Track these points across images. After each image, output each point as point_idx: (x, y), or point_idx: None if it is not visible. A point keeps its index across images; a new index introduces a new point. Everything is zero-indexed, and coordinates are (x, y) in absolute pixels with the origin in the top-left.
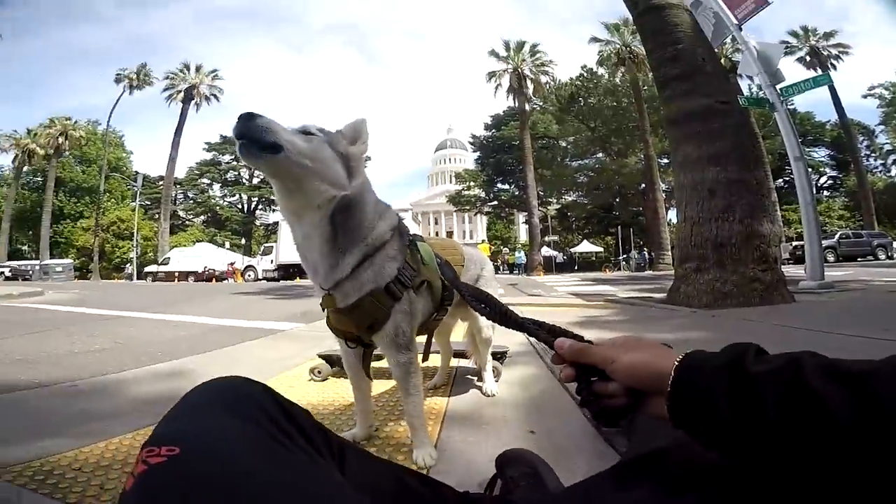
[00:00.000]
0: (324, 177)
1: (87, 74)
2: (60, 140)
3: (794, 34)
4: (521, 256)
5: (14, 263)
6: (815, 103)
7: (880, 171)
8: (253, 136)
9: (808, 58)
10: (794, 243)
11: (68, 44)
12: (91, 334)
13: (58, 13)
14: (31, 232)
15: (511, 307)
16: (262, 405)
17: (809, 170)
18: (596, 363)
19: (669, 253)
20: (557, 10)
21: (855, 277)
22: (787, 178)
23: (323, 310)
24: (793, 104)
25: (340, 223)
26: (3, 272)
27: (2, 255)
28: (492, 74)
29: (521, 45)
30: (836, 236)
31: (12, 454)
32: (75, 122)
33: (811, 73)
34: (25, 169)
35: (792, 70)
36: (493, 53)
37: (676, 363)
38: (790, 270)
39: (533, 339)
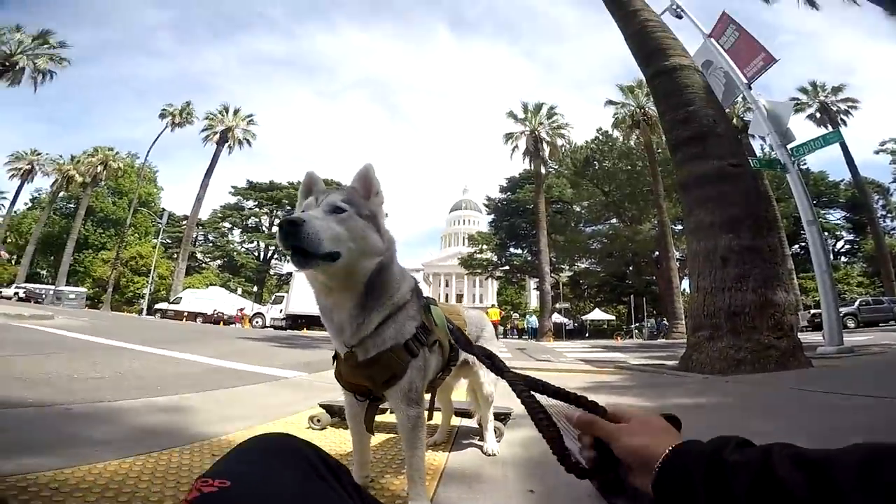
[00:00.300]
0: (366, 253)
1: (133, 106)
2: (99, 169)
3: (803, 90)
4: (532, 321)
5: (29, 286)
6: (827, 162)
7: None
8: (305, 248)
9: (818, 114)
10: (813, 311)
11: (123, 75)
12: (93, 362)
13: (122, 43)
14: (52, 258)
15: (517, 371)
16: (306, 456)
17: (825, 234)
18: (601, 437)
19: (683, 322)
20: (574, 71)
21: (876, 342)
22: (804, 244)
23: (333, 361)
24: (805, 164)
25: (372, 286)
26: (17, 293)
27: (21, 276)
28: (509, 136)
29: (538, 107)
30: (857, 303)
31: None
32: (116, 152)
33: (822, 131)
34: (61, 195)
35: (802, 128)
36: (511, 115)
37: (668, 450)
38: (808, 337)
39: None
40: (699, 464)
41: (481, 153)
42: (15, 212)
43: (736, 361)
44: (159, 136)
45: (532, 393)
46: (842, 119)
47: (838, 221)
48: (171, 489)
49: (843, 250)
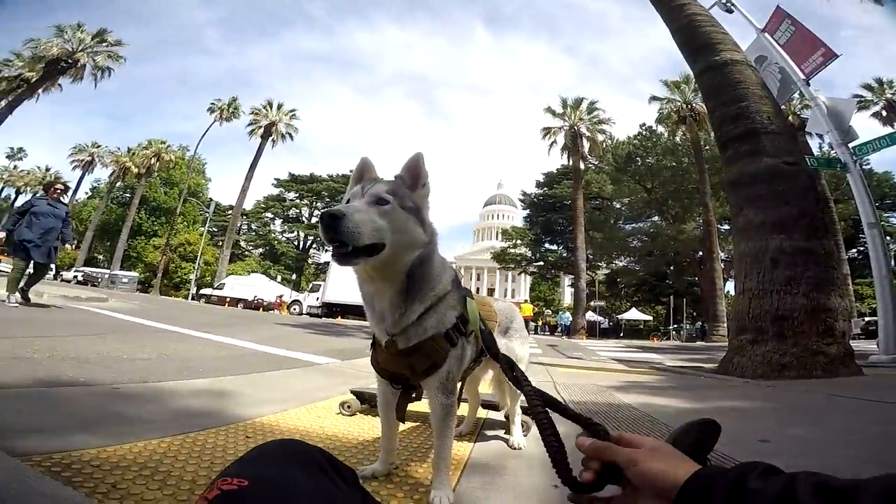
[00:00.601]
0: (408, 245)
1: (184, 102)
2: (153, 161)
3: (868, 87)
4: (565, 317)
5: (87, 269)
6: (893, 162)
7: None
8: (346, 241)
9: (884, 112)
10: (867, 318)
11: (175, 72)
12: (141, 343)
13: (173, 42)
14: (108, 243)
15: (548, 368)
16: (318, 461)
17: (887, 238)
18: (617, 463)
19: (724, 325)
20: (617, 67)
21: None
22: (861, 248)
23: (371, 349)
24: (868, 164)
25: (414, 276)
26: (76, 276)
27: (80, 260)
28: (547, 131)
29: (578, 101)
30: None
31: (41, 443)
32: (168, 145)
33: (888, 130)
34: (118, 185)
35: (866, 126)
36: (549, 110)
37: (688, 476)
38: (861, 345)
39: (562, 391)
40: (721, 491)
41: (517, 148)
42: (76, 200)
43: (780, 366)
44: (208, 129)
45: (546, 410)
46: None
47: None
48: (204, 469)
49: None
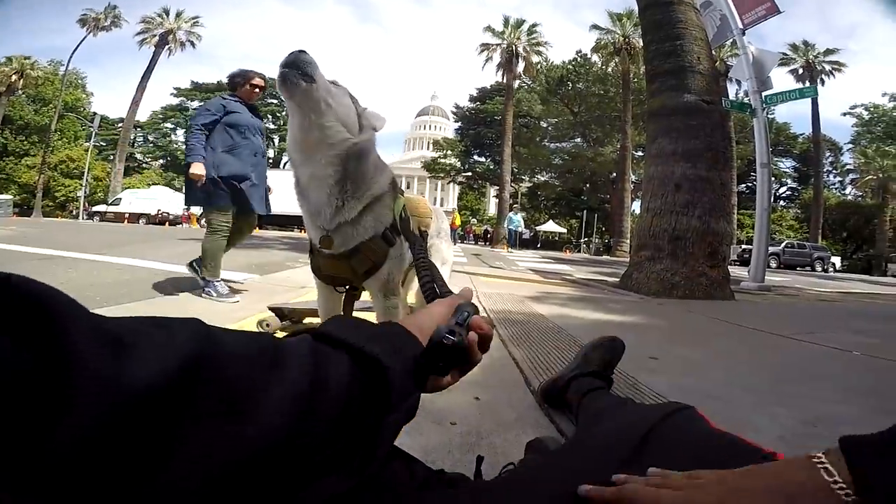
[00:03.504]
0: (340, 118)
1: (52, 14)
2: (14, 78)
3: (793, 47)
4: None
5: None
6: (794, 115)
7: (836, 189)
8: (298, 66)
9: (800, 70)
10: (743, 247)
11: None
12: (25, 274)
13: None
14: None
15: (471, 276)
16: None
17: (772, 178)
18: None
19: (628, 241)
20: None
21: (791, 284)
22: (750, 185)
23: (310, 255)
24: (773, 113)
25: (350, 169)
26: None
27: None
28: (485, 47)
29: (519, 22)
30: (782, 245)
31: None
32: (34, 62)
33: (800, 86)
34: None
35: (782, 80)
36: (490, 29)
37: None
38: (734, 271)
39: (484, 300)
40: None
41: (454, 61)
42: None
43: (671, 285)
44: (81, 42)
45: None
46: (822, 79)
47: (787, 170)
48: None
49: (783, 195)
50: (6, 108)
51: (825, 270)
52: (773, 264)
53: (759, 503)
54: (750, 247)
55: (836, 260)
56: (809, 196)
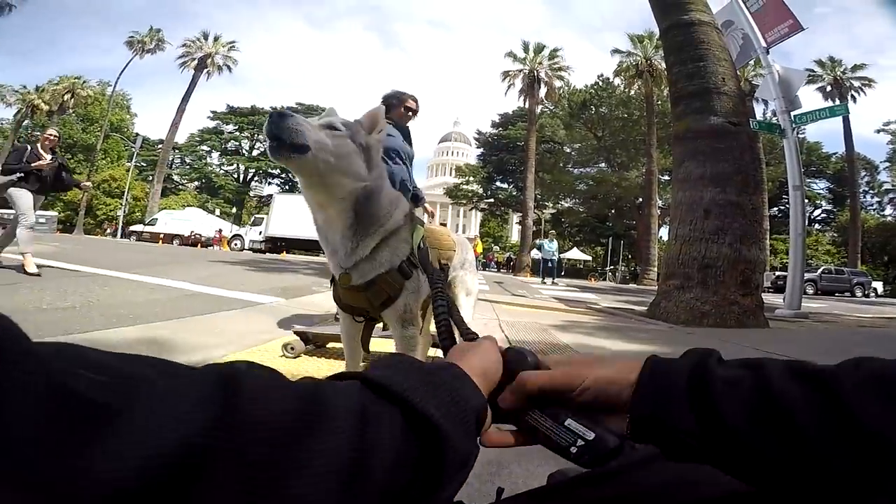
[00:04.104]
0: (346, 172)
1: (108, 35)
2: (66, 98)
3: (820, 63)
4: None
5: None
6: (825, 133)
7: (874, 210)
8: (283, 137)
9: (828, 87)
10: (777, 273)
11: (94, 4)
12: (63, 290)
13: None
14: None
15: (493, 305)
16: None
17: (806, 201)
18: (563, 389)
19: (655, 269)
20: (588, 17)
21: (829, 311)
22: (782, 208)
23: (331, 284)
24: (804, 133)
25: (361, 211)
26: None
27: None
28: (506, 74)
29: (540, 47)
30: (819, 270)
31: None
32: (84, 81)
33: (829, 104)
34: (25, 123)
35: (810, 98)
36: (511, 55)
37: (638, 373)
38: (769, 298)
39: (506, 328)
40: (681, 384)
41: (476, 88)
42: None
43: (701, 314)
44: (127, 64)
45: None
46: (852, 96)
47: (821, 191)
48: None
49: (818, 218)
50: (58, 127)
51: (866, 296)
52: (810, 291)
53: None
54: (784, 273)
55: (878, 285)
56: (846, 218)
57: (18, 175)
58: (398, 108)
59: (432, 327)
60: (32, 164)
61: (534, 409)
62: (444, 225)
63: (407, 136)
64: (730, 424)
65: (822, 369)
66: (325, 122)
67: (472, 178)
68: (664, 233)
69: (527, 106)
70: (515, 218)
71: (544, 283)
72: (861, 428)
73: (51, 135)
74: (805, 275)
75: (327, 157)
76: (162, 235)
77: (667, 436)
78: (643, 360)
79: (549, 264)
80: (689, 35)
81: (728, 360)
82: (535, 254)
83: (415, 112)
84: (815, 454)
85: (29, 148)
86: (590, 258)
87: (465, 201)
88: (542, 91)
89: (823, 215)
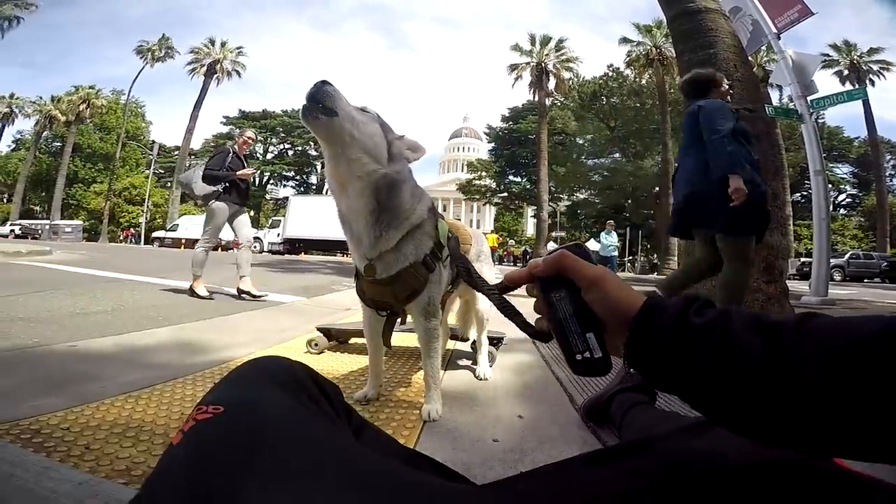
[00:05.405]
0: (366, 149)
1: (119, 46)
2: (82, 108)
3: (835, 47)
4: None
5: (25, 222)
6: (845, 117)
7: None
8: (318, 98)
9: (845, 72)
10: (803, 259)
11: (103, 15)
12: (94, 296)
13: None
14: (44, 193)
15: (511, 297)
16: (300, 379)
17: (829, 185)
18: (578, 280)
19: (675, 259)
20: (593, 7)
21: (858, 297)
22: (805, 193)
23: (356, 279)
24: (822, 118)
25: (384, 199)
26: (13, 230)
27: (14, 213)
28: (514, 67)
29: (546, 39)
30: (847, 255)
31: (5, 410)
32: (98, 90)
33: (847, 88)
34: (45, 134)
35: (827, 83)
36: (517, 48)
37: (642, 304)
38: (795, 286)
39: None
40: (666, 323)
41: (484, 83)
42: None
43: (721, 301)
44: (140, 72)
45: (501, 296)
46: (870, 80)
47: (844, 176)
48: (175, 421)
49: (843, 203)
50: (76, 137)
51: None
52: (838, 277)
53: (614, 285)
54: (809, 259)
55: None
56: (872, 202)
57: (224, 185)
58: (718, 87)
59: (450, 319)
60: (238, 173)
61: (563, 293)
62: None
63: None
64: (699, 362)
65: (774, 321)
66: (360, 106)
67: (484, 174)
68: None
69: (536, 99)
70: (530, 211)
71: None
72: (799, 372)
73: (249, 137)
74: (832, 260)
75: (351, 129)
76: (184, 241)
77: (651, 368)
78: (643, 299)
79: (609, 263)
80: (695, 23)
81: (714, 306)
82: (593, 245)
83: (729, 90)
84: (764, 388)
85: (231, 152)
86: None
87: (478, 196)
88: (552, 83)
89: (849, 200)
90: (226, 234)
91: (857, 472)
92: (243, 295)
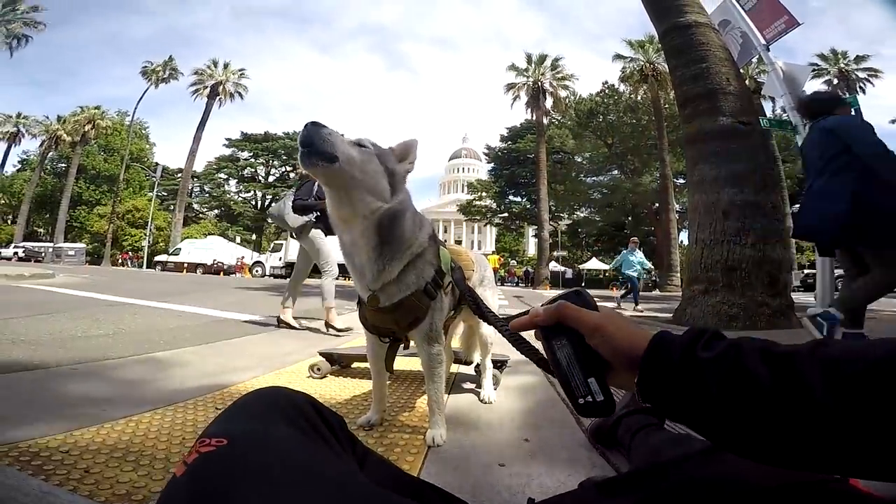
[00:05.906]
0: (370, 189)
1: (123, 65)
2: (87, 128)
3: (822, 57)
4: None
5: (28, 244)
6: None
7: None
8: (315, 144)
9: (835, 80)
10: (807, 271)
11: (108, 35)
12: (96, 319)
13: (102, 3)
14: (48, 215)
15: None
16: (303, 410)
17: None
18: (580, 327)
19: (678, 275)
20: (587, 25)
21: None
22: None
23: (359, 305)
24: None
25: (386, 233)
26: (17, 252)
27: (18, 235)
28: (510, 87)
29: (542, 58)
30: None
31: (4, 433)
32: (103, 111)
33: None
34: (50, 155)
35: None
36: (513, 68)
37: (649, 342)
38: (800, 298)
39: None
40: (674, 359)
41: (482, 103)
42: (4, 174)
43: (728, 317)
44: (144, 93)
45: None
46: (860, 87)
47: None
48: (176, 446)
49: None
50: (81, 158)
51: None
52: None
53: (617, 327)
54: (814, 271)
55: None
56: None
57: (317, 214)
58: (834, 109)
59: (454, 343)
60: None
61: (564, 341)
62: (460, 242)
63: None
64: (709, 395)
65: (785, 351)
66: (355, 140)
67: (484, 194)
68: (685, 237)
69: (534, 118)
70: (531, 231)
71: (621, 306)
72: (812, 398)
73: None
74: (837, 271)
75: (353, 171)
76: (186, 265)
77: (662, 402)
78: (649, 336)
79: (632, 284)
80: (686, 38)
81: (724, 338)
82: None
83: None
84: (776, 419)
85: (316, 181)
86: (609, 267)
87: (479, 217)
88: (549, 102)
89: None
90: (227, 258)
91: (879, 496)
92: (330, 329)
